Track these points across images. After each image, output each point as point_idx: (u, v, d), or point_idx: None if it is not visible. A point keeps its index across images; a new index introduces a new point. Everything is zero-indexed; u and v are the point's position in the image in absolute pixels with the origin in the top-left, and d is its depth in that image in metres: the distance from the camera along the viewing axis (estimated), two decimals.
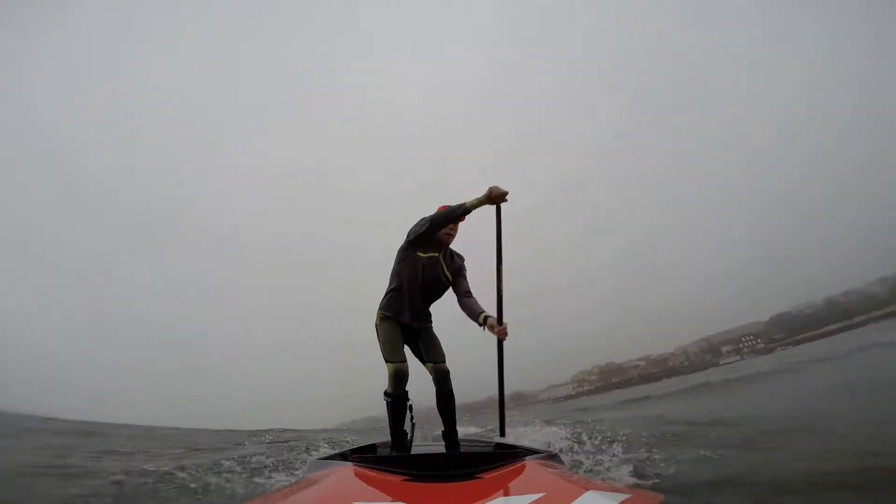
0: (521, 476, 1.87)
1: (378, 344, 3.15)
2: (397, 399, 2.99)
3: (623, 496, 1.49)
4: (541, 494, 1.50)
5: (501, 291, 3.39)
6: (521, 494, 1.54)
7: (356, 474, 1.88)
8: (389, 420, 3.03)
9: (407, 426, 3.13)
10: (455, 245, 3.33)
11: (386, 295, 3.25)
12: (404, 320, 3.15)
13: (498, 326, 3.11)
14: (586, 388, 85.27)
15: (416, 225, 3.15)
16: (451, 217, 3.05)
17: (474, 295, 3.30)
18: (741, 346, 79.41)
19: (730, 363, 59.84)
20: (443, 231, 3.13)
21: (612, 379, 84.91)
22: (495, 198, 3.05)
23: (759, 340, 78.39)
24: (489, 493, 1.63)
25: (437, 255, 3.19)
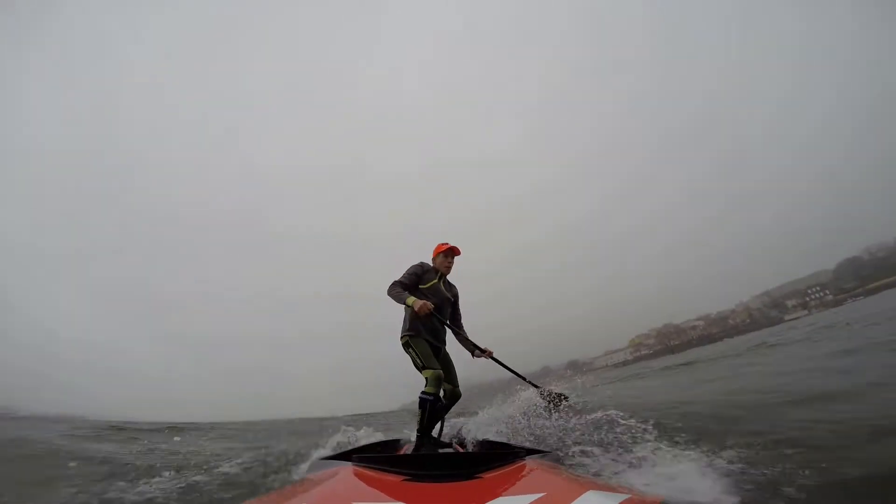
0: (521, 476, 1.84)
1: (411, 360, 3.74)
2: (436, 398, 3.55)
3: (623, 496, 1.45)
4: (541, 494, 1.49)
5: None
6: (521, 494, 1.52)
7: (356, 474, 1.89)
8: (423, 416, 3.51)
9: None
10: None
11: (405, 321, 3.81)
12: (427, 338, 3.75)
13: (484, 352, 4.00)
14: (644, 352, 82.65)
15: (406, 271, 3.89)
16: (397, 301, 3.71)
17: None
18: (807, 299, 72.97)
19: (796, 319, 54.64)
20: (443, 264, 3.99)
21: (670, 341, 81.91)
22: (422, 310, 3.59)
23: (826, 292, 71.63)
24: (489, 494, 1.59)
25: (437, 282, 3.93)
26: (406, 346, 3.76)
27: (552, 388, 4.88)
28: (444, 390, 3.76)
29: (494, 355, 4.09)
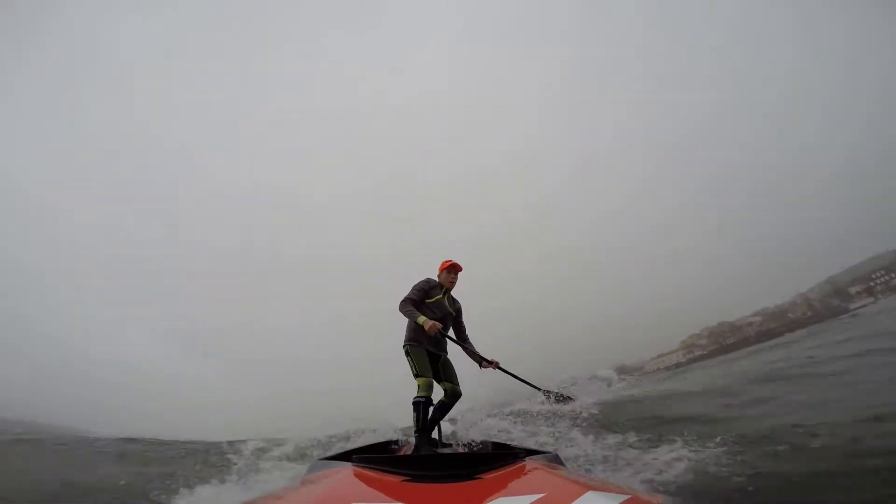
0: (521, 476, 1.82)
1: (409, 366, 4.03)
2: (427, 401, 3.82)
3: (623, 496, 1.41)
4: (541, 495, 1.46)
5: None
6: (521, 495, 1.50)
7: (356, 474, 1.90)
8: (418, 419, 3.75)
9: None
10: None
11: (409, 330, 4.12)
12: (430, 348, 4.07)
13: (491, 363, 4.28)
14: (697, 353, 76.23)
15: (413, 287, 4.17)
16: (408, 317, 4.04)
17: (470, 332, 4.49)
18: (872, 284, 67.90)
19: (862, 307, 49.60)
20: (447, 280, 4.25)
21: (726, 340, 75.53)
22: (431, 330, 3.89)
23: (892, 275, 66.74)
24: (489, 494, 1.58)
25: (441, 297, 4.19)
26: (407, 353, 4.09)
27: (560, 391, 5.16)
28: (444, 389, 4.07)
29: (501, 365, 4.35)
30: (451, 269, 4.28)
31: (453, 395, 4.05)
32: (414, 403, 3.79)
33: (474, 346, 4.39)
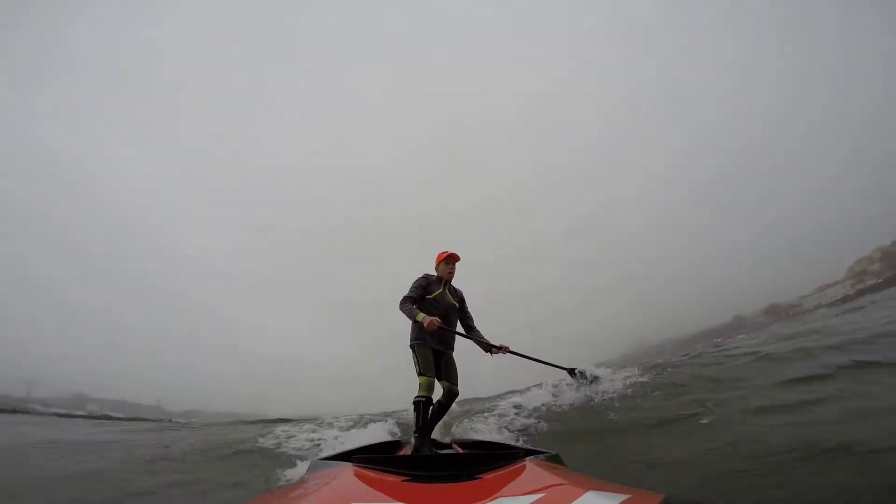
0: (521, 476, 1.83)
1: (413, 362, 4.03)
2: (428, 401, 3.83)
3: (623, 496, 1.40)
4: (541, 495, 1.47)
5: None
6: (521, 495, 1.50)
7: (356, 474, 1.89)
8: (418, 417, 3.77)
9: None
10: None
11: (413, 329, 4.09)
12: (435, 346, 4.04)
13: (501, 349, 4.30)
14: (870, 281, 58.15)
15: (413, 284, 4.17)
16: (408, 316, 4.01)
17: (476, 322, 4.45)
18: None
19: None
20: (445, 271, 4.21)
21: None
22: (430, 326, 3.86)
23: None
24: (489, 494, 1.58)
25: (442, 290, 4.17)
26: (411, 349, 4.09)
27: (585, 369, 5.25)
28: (443, 388, 4.07)
29: (512, 348, 4.35)
30: (449, 260, 4.23)
31: (450, 395, 4.04)
32: (414, 403, 3.80)
33: (482, 333, 4.35)
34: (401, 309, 4.03)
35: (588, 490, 1.45)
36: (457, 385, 4.10)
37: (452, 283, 4.33)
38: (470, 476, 1.86)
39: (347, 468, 2.02)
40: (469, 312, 4.42)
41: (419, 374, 3.93)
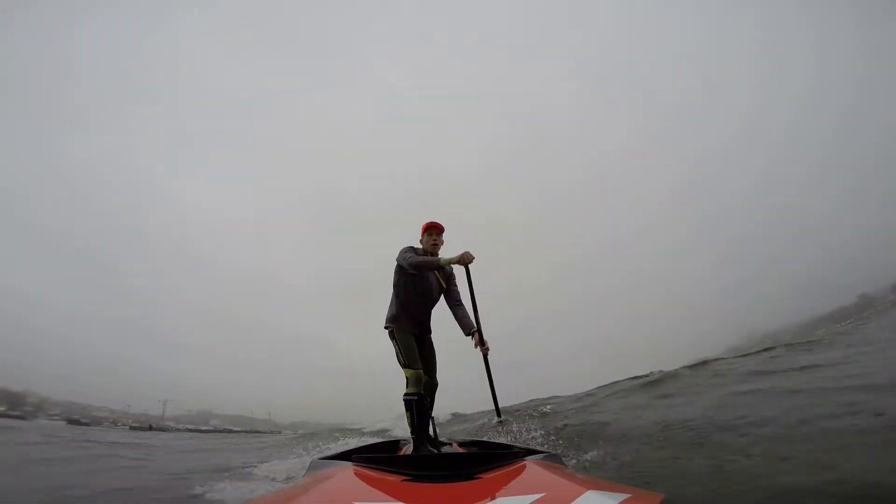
0: (521, 476, 1.83)
1: (395, 351, 3.67)
2: (420, 397, 3.47)
3: (623, 496, 1.41)
4: (541, 494, 1.46)
5: (479, 323, 3.91)
6: (521, 494, 1.50)
7: (356, 474, 1.89)
8: (412, 417, 3.42)
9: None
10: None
11: (391, 308, 3.75)
12: (412, 331, 3.70)
13: (482, 344, 3.78)
14: None
15: (400, 254, 3.66)
16: (426, 266, 3.59)
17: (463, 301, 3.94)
18: None
19: None
20: (428, 243, 3.70)
21: None
22: (466, 261, 3.57)
23: None
24: (489, 494, 1.58)
25: None
26: (392, 336, 3.70)
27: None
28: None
29: (488, 355, 3.89)
30: (431, 230, 3.71)
31: (430, 388, 3.73)
32: (405, 402, 3.45)
33: (468, 313, 3.87)
34: (410, 263, 3.54)
35: (588, 490, 1.46)
36: (435, 376, 3.78)
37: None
38: (470, 476, 1.86)
39: (347, 468, 2.02)
40: (457, 289, 3.91)
41: (404, 365, 3.56)
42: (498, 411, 4.55)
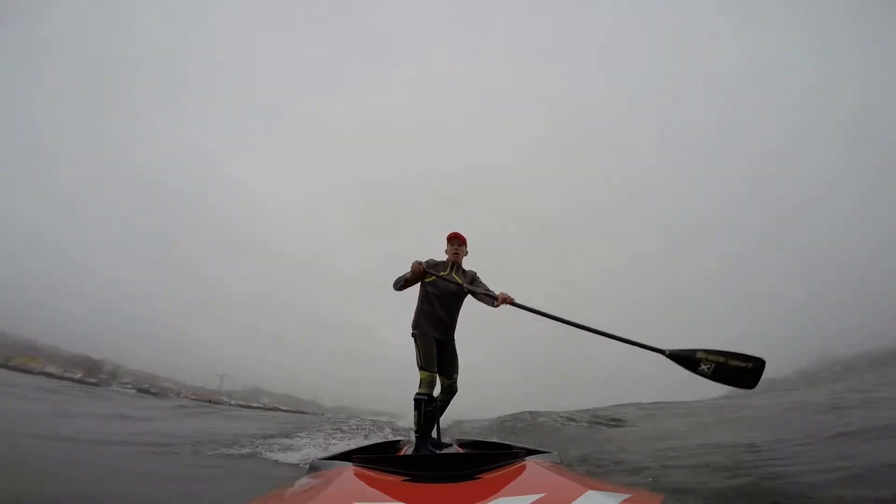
0: (521, 476, 1.84)
1: (415, 353, 3.77)
2: (430, 398, 3.57)
3: (623, 496, 1.42)
4: (541, 494, 1.47)
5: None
6: (521, 494, 1.51)
7: (357, 474, 1.91)
8: (419, 416, 3.52)
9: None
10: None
11: (417, 315, 3.88)
12: (435, 335, 3.79)
13: (509, 298, 3.51)
14: None
15: (399, 279, 3.83)
16: (404, 283, 3.79)
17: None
18: None
19: None
20: (449, 252, 3.89)
21: None
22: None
23: None
24: (489, 494, 1.58)
25: (448, 272, 3.86)
26: (413, 338, 3.84)
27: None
28: (441, 385, 3.84)
29: (516, 301, 3.50)
30: (453, 241, 3.91)
31: (449, 392, 3.87)
32: (416, 401, 3.55)
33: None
34: (394, 286, 3.83)
35: (588, 490, 1.46)
36: (456, 381, 3.89)
37: (464, 265, 3.98)
38: (470, 476, 1.88)
39: (348, 468, 2.04)
40: (485, 285, 3.87)
41: (420, 367, 3.68)
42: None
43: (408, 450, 3.68)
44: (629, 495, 1.43)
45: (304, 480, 2.14)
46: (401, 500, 1.54)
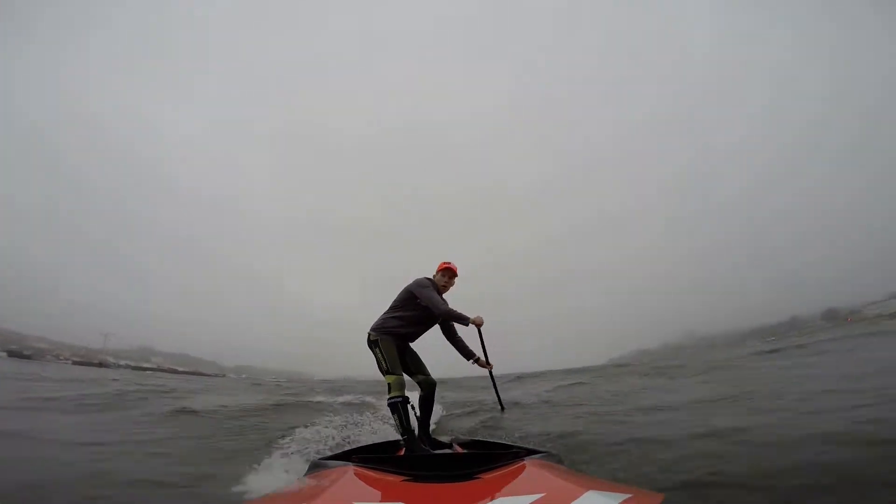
0: (521, 476, 1.84)
1: (376, 358, 3.77)
2: (405, 400, 3.52)
3: (624, 496, 1.44)
4: (541, 494, 1.48)
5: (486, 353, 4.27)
6: (521, 494, 1.52)
7: (356, 474, 1.90)
8: (400, 418, 3.48)
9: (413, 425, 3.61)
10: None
11: (385, 318, 3.88)
12: (397, 341, 3.80)
13: (488, 364, 4.22)
14: None
15: (425, 291, 3.84)
16: (452, 318, 3.89)
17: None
18: None
19: None
20: (441, 282, 3.99)
21: None
22: (478, 323, 3.85)
23: None
24: (489, 494, 1.60)
25: None
26: (374, 344, 3.79)
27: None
28: (418, 383, 3.92)
29: (492, 372, 4.34)
30: (447, 272, 4.04)
31: (430, 387, 3.90)
32: (390, 405, 3.52)
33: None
34: (449, 314, 3.83)
35: (588, 490, 1.47)
36: (430, 374, 3.97)
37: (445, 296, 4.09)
38: (470, 476, 1.88)
39: (347, 468, 2.02)
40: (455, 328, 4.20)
41: (386, 372, 3.65)
42: (501, 405, 5.45)
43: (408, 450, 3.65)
44: (629, 495, 1.44)
45: (304, 480, 2.11)
46: (401, 501, 1.56)
